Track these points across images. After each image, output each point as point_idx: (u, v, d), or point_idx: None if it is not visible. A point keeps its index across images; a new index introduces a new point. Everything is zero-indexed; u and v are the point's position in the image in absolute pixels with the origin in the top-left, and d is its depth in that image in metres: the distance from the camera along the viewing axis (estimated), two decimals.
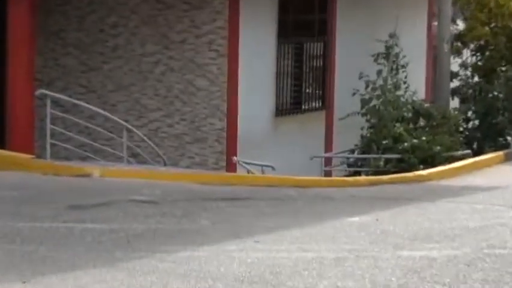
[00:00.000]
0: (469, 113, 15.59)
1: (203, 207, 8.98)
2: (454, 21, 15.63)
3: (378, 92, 14.04)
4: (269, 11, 13.59)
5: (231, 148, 12.79)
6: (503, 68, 16.02)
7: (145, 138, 12.25)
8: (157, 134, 12.79)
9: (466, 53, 16.43)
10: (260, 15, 13.31)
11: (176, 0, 12.62)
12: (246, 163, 12.74)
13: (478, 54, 16.25)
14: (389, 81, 14.10)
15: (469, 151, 14.14)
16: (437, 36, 15.30)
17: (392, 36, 14.32)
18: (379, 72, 14.16)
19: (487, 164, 13.81)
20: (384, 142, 13.39)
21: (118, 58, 12.95)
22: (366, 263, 6.46)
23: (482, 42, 16.08)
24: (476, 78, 16.17)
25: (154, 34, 12.81)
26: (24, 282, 5.42)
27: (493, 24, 15.80)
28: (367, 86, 14.07)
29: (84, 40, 13.00)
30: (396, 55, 14.29)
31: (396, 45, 14.30)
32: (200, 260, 6.34)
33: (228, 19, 12.53)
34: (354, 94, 14.02)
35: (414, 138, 13.32)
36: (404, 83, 14.30)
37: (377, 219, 8.75)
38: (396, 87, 14.09)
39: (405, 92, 14.30)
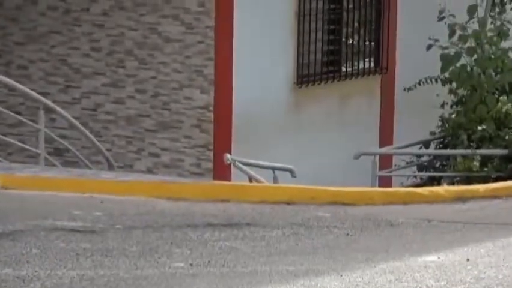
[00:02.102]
0: None
1: (175, 240, 8.94)
2: None
3: (470, 44, 14.03)
4: None
5: (222, 140, 12.84)
6: None
7: (76, 123, 12.26)
8: (97, 117, 12.82)
9: None
10: None
11: None
12: (247, 165, 12.75)
13: None
14: (490, 24, 14.08)
15: None
16: None
17: None
18: (471, 9, 14.15)
19: None
20: (480, 128, 13.38)
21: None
22: None
23: None
24: None
25: None
26: None
27: None
28: (452, 33, 14.07)
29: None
30: None
31: None
32: None
33: None
34: (429, 47, 14.04)
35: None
36: None
37: (468, 259, 8.71)
38: (503, 34, 14.04)
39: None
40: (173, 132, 12.83)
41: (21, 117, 11.91)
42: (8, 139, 11.83)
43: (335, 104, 14.37)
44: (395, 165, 14.87)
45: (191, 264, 7.88)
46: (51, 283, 7.20)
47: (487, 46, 13.74)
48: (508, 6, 14.22)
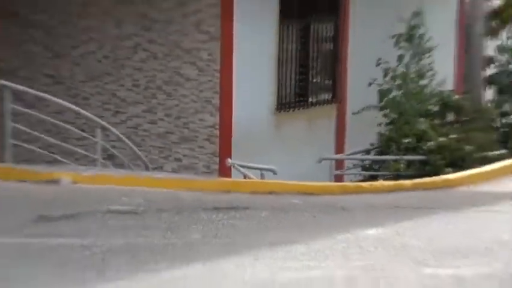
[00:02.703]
0: (506, 106, 15.62)
1: (193, 219, 8.96)
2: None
3: (399, 82, 14.06)
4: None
5: (225, 149, 12.83)
6: None
7: (122, 137, 12.25)
8: (137, 133, 12.82)
9: (504, 35, 16.45)
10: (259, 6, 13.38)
11: None
12: (242, 166, 12.77)
13: None
14: (412, 69, 14.12)
15: (505, 151, 14.16)
16: (470, 14, 15.33)
17: (416, 15, 14.34)
18: (400, 58, 14.21)
19: None
20: (405, 141, 13.42)
21: (89, 42, 12.98)
22: (383, 283, 6.50)
23: None
24: None
25: (132, 13, 12.82)
26: None
27: None
28: (386, 75, 14.12)
29: (49, 22, 12.99)
30: (421, 37, 14.31)
31: (421, 25, 14.32)
32: (190, 281, 6.35)
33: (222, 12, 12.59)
34: (370, 84, 14.08)
35: (442, 136, 13.34)
36: (430, 70, 14.29)
37: (397, 232, 8.76)
38: (421, 75, 14.10)
39: (431, 81, 14.33)
40: (191, 144, 12.83)
41: (84, 134, 11.89)
42: (76, 149, 11.83)
43: (304, 125, 14.37)
44: (346, 167, 14.88)
45: (203, 236, 7.98)
46: (105, 248, 7.31)
47: (410, 83, 13.80)
48: (425, 55, 14.21)
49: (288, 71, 14.22)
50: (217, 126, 12.77)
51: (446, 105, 14.06)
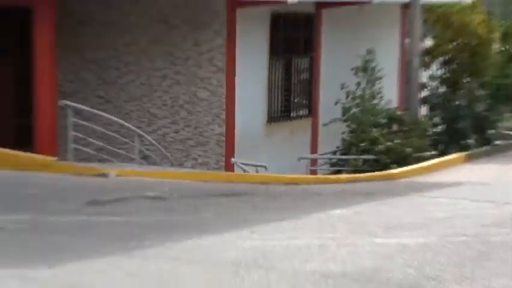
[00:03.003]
0: (436, 119, 15.65)
1: (205, 202, 8.93)
2: (423, 39, 15.67)
3: (357, 101, 14.09)
4: (262, 30, 13.65)
5: (229, 151, 12.81)
6: (466, 80, 16.10)
7: (154, 142, 12.28)
8: (165, 139, 12.82)
9: (434, 67, 16.47)
10: (254, 35, 13.37)
11: (180, 22, 12.65)
12: (242, 164, 12.78)
13: (444, 67, 16.31)
14: (367, 92, 14.14)
15: (435, 152, 14.20)
16: (409, 52, 15.36)
17: (369, 52, 14.36)
18: (358, 84, 14.22)
19: (452, 163, 13.89)
20: (362, 145, 13.41)
21: (130, 73, 13.00)
22: (346, 249, 6.44)
23: (447, 57, 16.14)
24: (442, 89, 16.22)
25: (162, 52, 12.86)
26: (50, 268, 5.42)
27: (456, 42, 15.87)
28: (347, 96, 14.13)
29: (101, 57, 13.05)
30: (373, 69, 14.32)
31: (373, 60, 14.34)
32: (204, 248, 6.33)
33: (226, 38, 12.56)
34: (336, 103, 14.08)
35: (389, 141, 13.35)
36: (380, 93, 14.33)
37: (356, 212, 8.74)
38: (373, 96, 14.12)
39: (381, 101, 14.35)
40: (204, 147, 12.79)
41: (126, 140, 11.89)
42: (119, 151, 11.81)
43: (288, 133, 14.35)
44: (319, 164, 14.87)
45: (213, 215, 8.01)
46: (141, 224, 7.39)
47: (365, 102, 13.83)
48: (376, 82, 14.22)
49: (276, 93, 14.22)
50: (224, 134, 12.75)
51: (391, 118, 14.07)
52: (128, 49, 12.99)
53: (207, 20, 12.62)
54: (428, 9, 15.21)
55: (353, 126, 13.88)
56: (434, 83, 16.27)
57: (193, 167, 12.69)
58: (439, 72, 16.30)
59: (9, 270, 5.44)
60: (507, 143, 16.26)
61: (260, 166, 12.73)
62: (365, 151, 13.31)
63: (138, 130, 12.07)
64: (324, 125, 14.47)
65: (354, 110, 13.99)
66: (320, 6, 14.43)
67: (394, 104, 15.55)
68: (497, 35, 16.07)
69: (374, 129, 13.50)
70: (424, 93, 15.83)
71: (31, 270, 5.43)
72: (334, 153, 14.32)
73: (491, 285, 5.49)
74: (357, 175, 12.30)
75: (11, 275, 5.30)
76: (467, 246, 6.80)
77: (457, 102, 15.67)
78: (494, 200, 9.73)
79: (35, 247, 6.14)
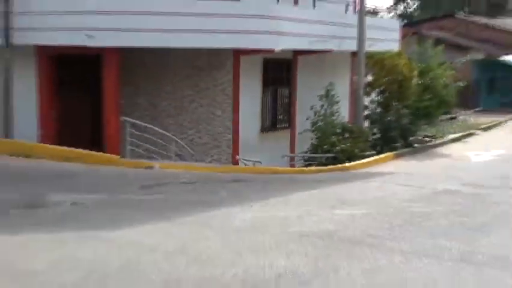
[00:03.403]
0: (374, 130, 15.65)
1: (220, 186, 8.84)
2: (366, 76, 15.66)
3: (321, 118, 14.09)
4: (257, 70, 13.62)
5: (235, 151, 12.76)
6: (395, 104, 16.10)
7: (184, 145, 12.24)
8: (192, 143, 12.74)
9: (373, 95, 16.48)
10: (251, 73, 13.33)
11: (203, 65, 12.64)
12: (244, 160, 12.79)
13: (380, 95, 16.31)
14: (328, 111, 14.15)
15: (374, 152, 14.22)
16: (356, 85, 15.37)
17: (330, 84, 14.35)
18: (322, 106, 14.22)
19: (385, 160, 13.90)
20: (325, 147, 13.42)
21: (169, 99, 12.91)
22: (315, 218, 6.48)
23: (382, 88, 16.13)
24: (379, 109, 16.21)
25: (191, 84, 12.78)
26: (117, 231, 5.38)
27: (388, 78, 15.88)
28: (315, 114, 14.12)
29: (149, 88, 12.98)
30: (332, 96, 14.30)
31: (332, 90, 14.34)
32: (219, 217, 6.32)
33: (233, 76, 12.55)
34: (307, 119, 14.08)
35: (343, 144, 13.37)
36: (337, 112, 14.29)
37: (321, 192, 8.74)
38: (332, 114, 14.12)
39: (337, 117, 14.34)
40: (219, 149, 12.72)
41: (165, 144, 11.85)
42: (161, 151, 11.76)
43: (274, 139, 14.30)
44: (296, 160, 14.84)
45: (226, 194, 7.90)
46: (177, 200, 7.29)
47: (327, 118, 13.81)
48: (334, 105, 14.18)
49: (266, 112, 14.21)
50: (231, 140, 12.72)
51: (344, 129, 14.05)
52: (168, 83, 12.93)
53: (221, 63, 12.59)
54: (369, 56, 15.20)
55: (319, 134, 13.88)
56: (373, 105, 16.26)
57: (210, 162, 12.67)
58: (377, 98, 16.29)
59: (89, 232, 5.45)
60: (423, 145, 16.27)
61: (256, 161, 12.73)
62: (326, 151, 13.32)
63: (174, 137, 12.01)
64: (299, 133, 14.47)
65: (319, 123, 13.99)
66: (296, 53, 14.40)
67: (346, 119, 15.52)
68: (415, 73, 16.06)
69: (333, 137, 13.52)
70: (366, 112, 15.83)
71: (104, 233, 5.44)
72: (306, 152, 14.33)
73: (413, 241, 5.56)
74: (321, 167, 12.32)
75: (91, 236, 5.30)
76: (395, 216, 6.87)
77: (389, 118, 15.64)
78: (414, 184, 9.78)
79: (106, 217, 6.10)
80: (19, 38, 10.46)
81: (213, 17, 10.94)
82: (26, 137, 10.80)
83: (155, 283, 4.01)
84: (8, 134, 10.83)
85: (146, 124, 11.60)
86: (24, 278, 4.09)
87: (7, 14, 10.20)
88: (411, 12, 31.64)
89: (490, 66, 23.15)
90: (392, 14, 30.02)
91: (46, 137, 11.33)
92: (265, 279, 4.13)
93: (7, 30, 10.20)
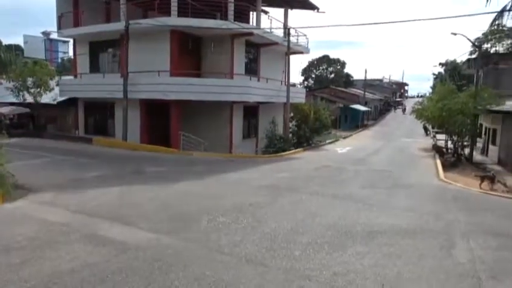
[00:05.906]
0: (294, 138, 14.72)
1: (223, 163, 8.48)
2: (290, 113, 14.53)
3: (270, 132, 13.24)
4: (240, 111, 12.40)
5: (230, 147, 12.03)
6: (303, 126, 14.91)
7: (207, 144, 11.27)
8: (211, 144, 11.85)
9: (294, 122, 15.86)
10: (238, 112, 12.25)
11: (217, 109, 11.45)
12: (236, 151, 12.23)
13: (297, 122, 15.35)
14: (273, 129, 13.31)
15: (294, 148, 13.68)
16: (285, 118, 14.52)
17: (273, 118, 13.51)
18: (270, 127, 13.32)
19: (299, 152, 12.67)
20: (272, 146, 12.65)
21: (202, 124, 11.76)
22: (268, 178, 6.71)
23: (297, 119, 15.27)
24: (295, 129, 15.13)
25: (211, 117, 11.91)
26: (172, 186, 5.40)
27: (301, 115, 14.84)
28: (267, 130, 13.31)
29: (193, 119, 11.99)
30: (274, 122, 13.49)
31: (274, 121, 13.42)
32: (223, 177, 6.52)
33: (230, 113, 11.87)
34: (264, 133, 13.27)
35: (280, 144, 12.37)
36: (276, 130, 13.27)
37: (271, 166, 8.25)
38: (275, 130, 13.00)
39: (277, 132, 13.37)
40: (222, 147, 11.57)
41: (199, 144, 10.77)
42: (197, 148, 10.77)
43: (250, 142, 13.09)
44: (260, 152, 12.89)
45: (226, 167, 7.41)
46: (205, 170, 6.75)
47: (274, 132, 12.55)
48: (274, 126, 13.03)
49: (245, 129, 13.00)
50: (229, 142, 11.89)
51: (280, 137, 12.45)
52: (201, 116, 12.22)
53: (224, 108, 11.89)
54: (291, 104, 14.48)
55: (269, 139, 13.08)
56: (293, 127, 15.54)
57: (218, 152, 11.73)
58: (295, 123, 15.66)
59: (164, 184, 5.65)
60: (316, 145, 15.63)
61: (240, 152, 12.12)
62: (273, 147, 12.78)
63: (203, 141, 11.35)
64: (262, 138, 13.77)
65: (269, 135, 13.10)
66: (259, 103, 13.48)
67: (281, 132, 14.67)
68: (312, 112, 15.71)
69: (276, 141, 12.99)
70: (290, 130, 14.99)
71: (170, 185, 5.59)
72: (263, 148, 13.74)
73: (312, 188, 5.81)
74: (271, 155, 11.55)
75: (165, 187, 5.39)
76: (304, 177, 7.11)
77: (300, 133, 15.13)
78: (311, 162, 9.42)
79: (171, 178, 6.33)
80: (131, 94, 10.74)
81: (222, 87, 10.66)
82: (134, 140, 10.98)
83: (192, 206, 4.31)
84: (126, 139, 10.87)
85: (190, 135, 11.39)
86: (131, 206, 4.30)
87: (126, 84, 10.68)
88: (311, 84, 33.13)
89: (345, 110, 23.76)
90: (302, 85, 30.61)
91: (143, 140, 11.48)
92: (244, 205, 4.37)
93: (126, 92, 10.74)
